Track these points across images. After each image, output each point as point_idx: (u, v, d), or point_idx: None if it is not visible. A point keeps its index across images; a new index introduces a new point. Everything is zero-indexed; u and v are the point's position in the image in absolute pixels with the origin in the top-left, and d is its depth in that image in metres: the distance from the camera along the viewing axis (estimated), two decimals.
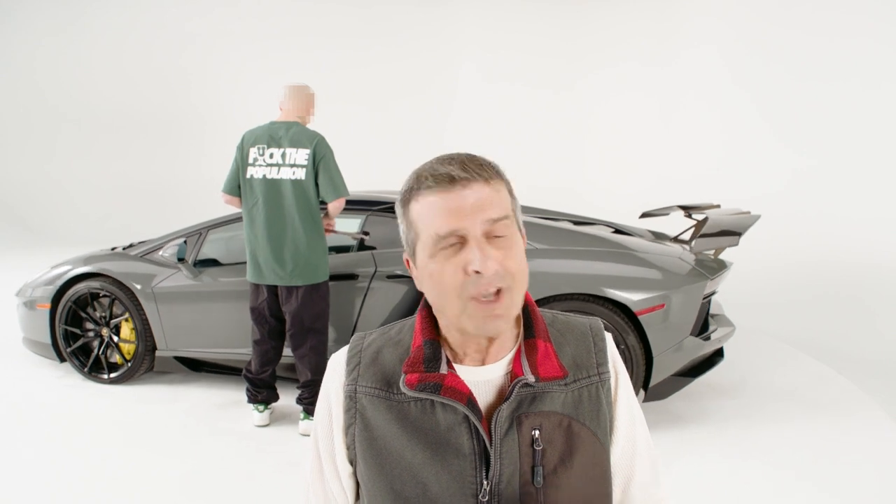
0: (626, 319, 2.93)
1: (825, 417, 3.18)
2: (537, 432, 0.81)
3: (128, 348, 3.70)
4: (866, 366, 3.95)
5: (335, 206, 2.95)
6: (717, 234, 2.98)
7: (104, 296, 3.66)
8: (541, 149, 9.30)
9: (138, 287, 3.54)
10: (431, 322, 0.87)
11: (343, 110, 10.06)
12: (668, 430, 3.06)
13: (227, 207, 3.39)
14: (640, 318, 2.90)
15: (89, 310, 3.74)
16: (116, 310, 3.67)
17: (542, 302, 2.96)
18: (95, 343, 3.73)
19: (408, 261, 0.87)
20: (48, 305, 3.71)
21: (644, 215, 4.01)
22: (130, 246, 4.05)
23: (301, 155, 2.90)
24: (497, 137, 9.23)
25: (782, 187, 6.65)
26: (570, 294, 2.96)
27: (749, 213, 3.33)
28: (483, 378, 0.84)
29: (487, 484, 0.79)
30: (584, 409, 0.84)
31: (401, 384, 0.82)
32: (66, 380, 3.81)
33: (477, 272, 0.74)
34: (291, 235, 2.93)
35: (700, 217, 3.49)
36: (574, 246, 3.16)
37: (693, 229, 3.51)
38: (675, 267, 3.05)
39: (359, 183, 4.05)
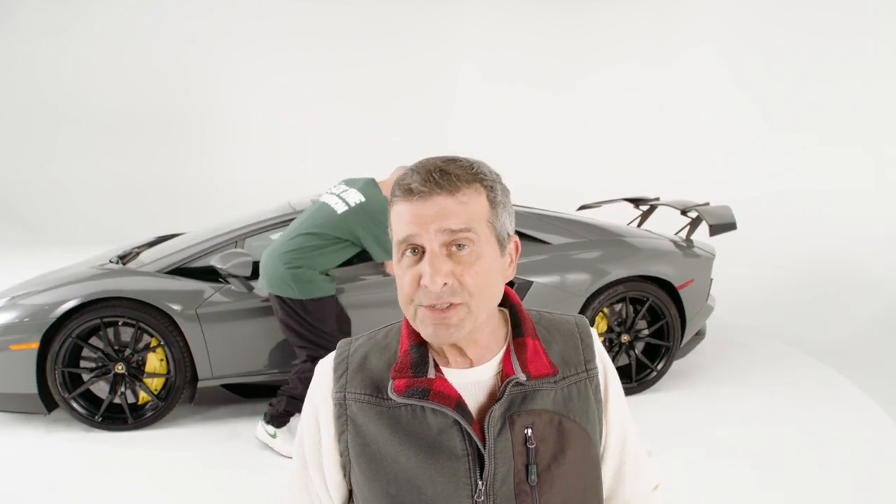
0: (665, 294, 3.40)
1: (825, 416, 3.18)
2: (530, 431, 0.81)
3: (155, 384, 3.11)
4: (867, 366, 3.94)
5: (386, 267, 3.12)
6: (723, 224, 3.49)
7: (125, 324, 3.03)
8: (541, 149, 9.30)
9: (176, 309, 2.98)
10: None
11: (343, 110, 10.07)
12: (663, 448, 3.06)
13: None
14: (680, 291, 3.43)
15: (92, 342, 3.07)
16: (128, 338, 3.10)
17: (606, 286, 3.35)
18: (103, 382, 3.07)
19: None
20: (35, 345, 2.89)
21: (582, 207, 4.38)
22: (123, 258, 3.48)
23: (356, 196, 2.91)
24: (497, 137, 9.23)
25: (782, 187, 6.65)
26: (626, 278, 3.37)
27: (708, 203, 3.82)
28: (472, 380, 0.84)
29: (482, 484, 0.80)
30: (573, 406, 0.84)
31: (389, 391, 0.82)
32: (62, 433, 3.03)
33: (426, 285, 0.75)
34: (288, 243, 2.85)
35: (645, 208, 4.17)
36: (607, 236, 3.53)
37: (639, 219, 4.16)
38: (683, 248, 3.60)
39: None
